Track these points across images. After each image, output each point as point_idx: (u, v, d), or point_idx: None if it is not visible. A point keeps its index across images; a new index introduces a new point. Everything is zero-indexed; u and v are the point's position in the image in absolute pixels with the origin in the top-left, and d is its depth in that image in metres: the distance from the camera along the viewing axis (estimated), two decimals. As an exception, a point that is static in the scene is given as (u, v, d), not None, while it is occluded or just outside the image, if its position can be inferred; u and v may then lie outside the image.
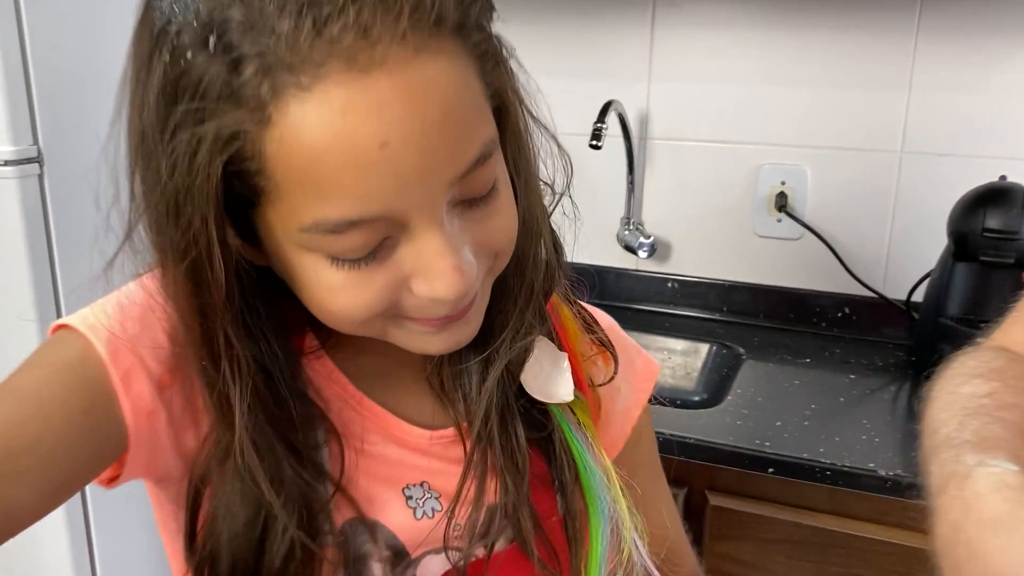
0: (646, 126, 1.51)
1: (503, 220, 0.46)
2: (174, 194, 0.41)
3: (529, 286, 0.52)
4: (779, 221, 1.44)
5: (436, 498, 0.54)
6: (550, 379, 0.54)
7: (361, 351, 0.52)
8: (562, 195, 0.55)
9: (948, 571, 0.37)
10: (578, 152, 1.44)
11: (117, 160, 0.49)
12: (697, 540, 1.09)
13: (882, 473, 0.97)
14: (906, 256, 1.38)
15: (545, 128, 0.52)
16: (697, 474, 1.07)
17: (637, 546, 0.56)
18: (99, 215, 0.51)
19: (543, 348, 0.55)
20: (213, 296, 0.43)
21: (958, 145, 1.32)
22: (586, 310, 0.62)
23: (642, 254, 1.53)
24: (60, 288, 1.25)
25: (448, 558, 0.53)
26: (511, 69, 0.48)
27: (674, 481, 1.08)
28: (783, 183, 1.42)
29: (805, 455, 1.01)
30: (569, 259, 1.65)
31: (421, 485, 0.54)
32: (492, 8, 0.46)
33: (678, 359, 1.47)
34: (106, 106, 0.93)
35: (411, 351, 0.48)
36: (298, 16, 0.37)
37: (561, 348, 0.56)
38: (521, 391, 0.54)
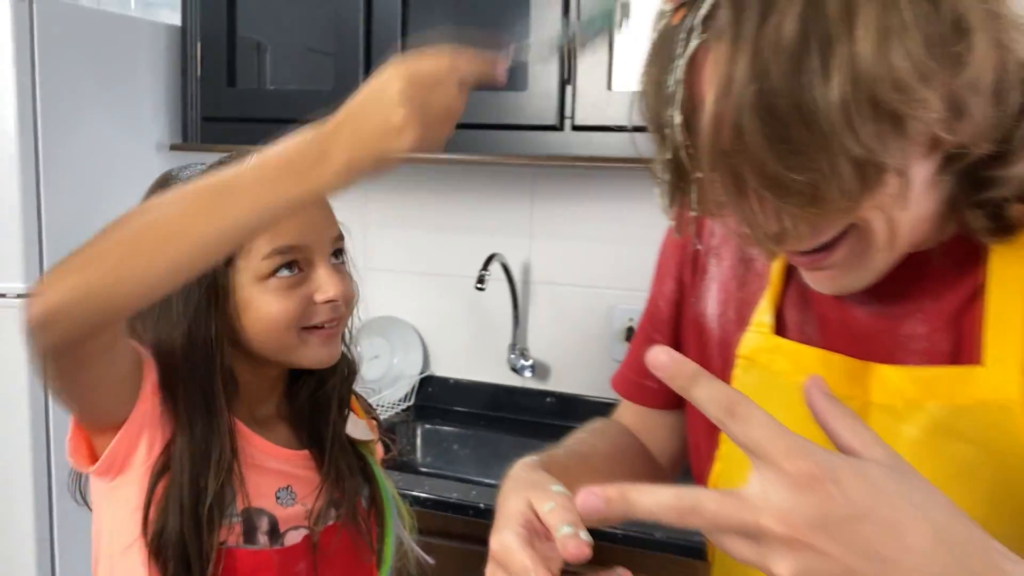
0: (528, 272, 1.90)
1: (350, 285, 0.88)
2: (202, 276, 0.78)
3: (339, 379, 0.91)
4: (630, 349, 1.81)
5: (294, 496, 0.88)
6: (358, 428, 0.92)
7: (254, 410, 0.89)
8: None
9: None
10: (473, 291, 1.80)
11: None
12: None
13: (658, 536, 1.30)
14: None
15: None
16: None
17: (411, 541, 0.92)
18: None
19: (351, 416, 0.92)
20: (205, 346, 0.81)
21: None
22: (366, 400, 1.01)
23: (526, 374, 1.89)
24: (51, 406, 1.58)
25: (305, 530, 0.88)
26: None
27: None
28: (631, 319, 1.81)
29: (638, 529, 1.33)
30: (468, 377, 2.00)
31: (287, 488, 0.87)
32: None
33: (551, 460, 1.80)
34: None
35: (308, 366, 0.85)
36: None
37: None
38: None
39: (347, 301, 0.87)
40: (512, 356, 1.90)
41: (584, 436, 0.79)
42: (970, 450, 0.57)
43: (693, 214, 0.56)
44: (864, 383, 0.61)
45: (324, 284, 0.84)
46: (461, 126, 1.81)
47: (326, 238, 0.86)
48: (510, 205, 1.90)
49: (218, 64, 1.75)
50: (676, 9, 0.51)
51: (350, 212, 2.15)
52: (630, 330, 1.80)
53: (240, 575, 0.83)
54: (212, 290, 0.82)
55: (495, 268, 1.79)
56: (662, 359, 0.43)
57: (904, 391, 0.60)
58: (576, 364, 1.88)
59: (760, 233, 0.53)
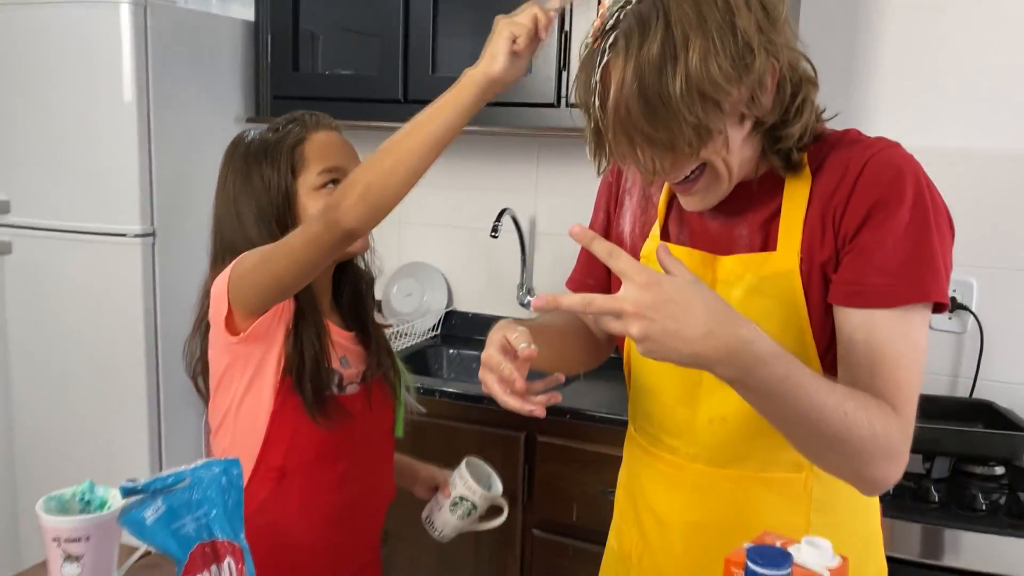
0: (534, 224, 2.32)
1: None
2: (278, 188, 1.22)
3: (368, 282, 1.35)
4: (616, 287, 2.22)
5: (348, 362, 1.28)
6: (379, 317, 1.35)
7: (323, 302, 1.29)
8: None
9: None
10: (490, 239, 2.24)
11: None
12: (532, 465, 1.82)
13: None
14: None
15: None
16: (530, 423, 1.81)
17: (407, 396, 1.38)
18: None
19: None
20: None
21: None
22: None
23: (531, 308, 2.31)
24: (159, 322, 2.02)
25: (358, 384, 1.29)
26: None
27: (517, 428, 1.82)
28: (617, 262, 2.22)
29: (608, 411, 1.75)
30: (484, 311, 2.45)
31: (344, 357, 1.28)
32: None
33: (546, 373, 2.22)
34: (199, 200, 1.80)
35: (350, 251, 1.23)
36: (315, 119, 1.28)
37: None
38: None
39: None
40: (520, 293, 2.32)
41: (547, 316, 1.19)
42: (770, 301, 0.97)
43: (606, 162, 0.96)
44: (713, 267, 1.01)
45: None
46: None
47: (354, 164, 1.25)
48: (519, 169, 2.31)
49: (284, 52, 2.16)
50: (595, 39, 0.91)
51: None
52: (616, 271, 2.21)
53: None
54: (286, 197, 1.23)
55: (506, 220, 2.20)
56: (576, 230, 0.84)
57: (734, 270, 1.00)
58: (572, 300, 2.29)
59: (644, 170, 0.92)
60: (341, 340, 1.28)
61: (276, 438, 1.22)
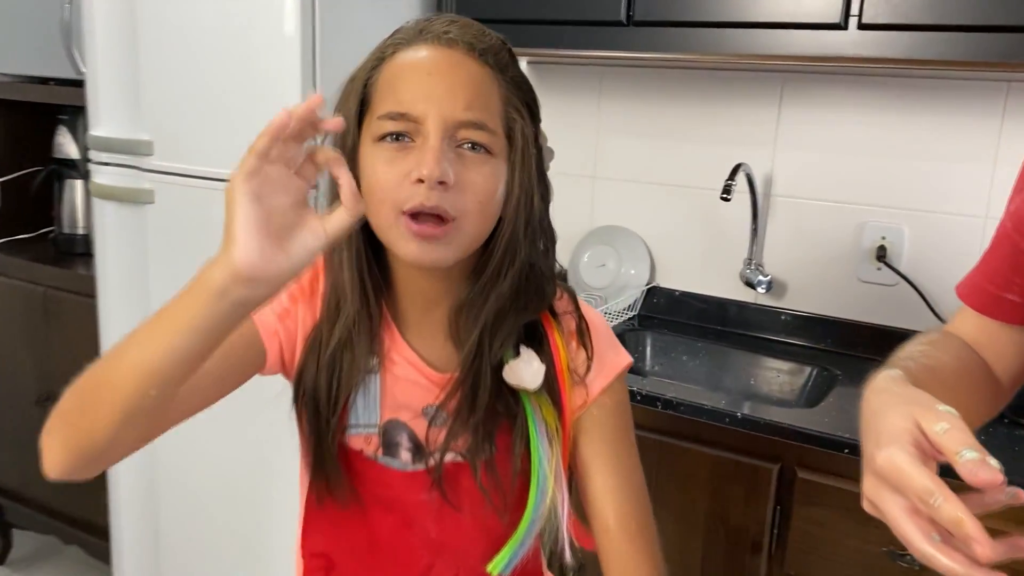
0: (770, 185, 1.84)
1: (476, 183, 0.74)
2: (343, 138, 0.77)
3: (519, 311, 0.80)
4: (879, 269, 1.72)
5: (446, 415, 0.81)
6: (522, 371, 0.81)
7: (407, 314, 0.83)
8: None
9: (862, 429, 0.60)
10: (712, 203, 1.77)
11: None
12: (787, 507, 1.39)
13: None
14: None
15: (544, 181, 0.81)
16: (788, 453, 1.37)
17: (558, 510, 0.82)
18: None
19: (527, 355, 0.81)
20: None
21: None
22: (582, 315, 0.85)
23: (760, 290, 1.85)
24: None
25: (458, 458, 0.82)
26: (531, 121, 0.79)
27: (769, 457, 1.39)
28: (883, 238, 1.72)
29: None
30: (696, 290, 1.94)
31: (436, 405, 0.81)
32: (515, 68, 0.79)
33: (784, 378, 1.76)
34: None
35: (400, 256, 0.75)
36: (423, 25, 0.77)
37: (552, 355, 0.82)
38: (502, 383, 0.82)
39: (462, 196, 0.73)
40: (747, 270, 1.85)
41: (926, 349, 0.75)
42: None
43: None
44: None
45: (421, 160, 0.71)
46: (714, 24, 1.72)
47: (444, 115, 0.73)
48: (752, 113, 1.83)
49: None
50: None
51: (582, 117, 2.13)
52: (882, 248, 1.71)
53: (371, 482, 0.84)
54: (351, 140, 0.78)
55: (737, 179, 1.74)
56: None
57: None
58: (816, 282, 1.81)
59: None
60: (431, 383, 0.83)
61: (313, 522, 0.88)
